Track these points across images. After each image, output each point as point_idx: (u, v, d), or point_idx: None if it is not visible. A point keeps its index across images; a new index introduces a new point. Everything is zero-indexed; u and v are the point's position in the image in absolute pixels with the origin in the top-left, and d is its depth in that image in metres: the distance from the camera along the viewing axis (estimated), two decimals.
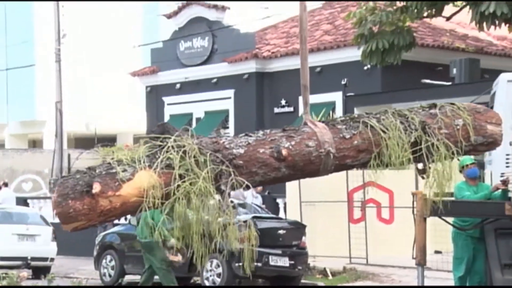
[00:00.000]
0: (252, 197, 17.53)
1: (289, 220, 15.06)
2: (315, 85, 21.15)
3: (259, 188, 18.42)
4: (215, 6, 23.85)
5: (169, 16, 24.78)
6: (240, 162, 5.42)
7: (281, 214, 18.11)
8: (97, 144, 29.43)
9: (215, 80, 23.23)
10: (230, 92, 22.92)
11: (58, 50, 25.96)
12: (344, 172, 15.87)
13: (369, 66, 18.86)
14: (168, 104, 24.86)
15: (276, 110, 22.07)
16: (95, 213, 5.11)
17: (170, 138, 5.37)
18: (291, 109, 21.70)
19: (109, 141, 32.81)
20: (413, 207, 8.92)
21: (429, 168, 5.88)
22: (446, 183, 5.86)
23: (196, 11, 23.95)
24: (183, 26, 24.09)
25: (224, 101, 23.10)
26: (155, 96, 25.21)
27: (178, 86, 24.33)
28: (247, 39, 22.71)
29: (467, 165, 9.30)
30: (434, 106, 5.96)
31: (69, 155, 27.21)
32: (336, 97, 20.55)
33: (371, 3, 18.09)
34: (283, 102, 21.88)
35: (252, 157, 5.47)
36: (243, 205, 14.85)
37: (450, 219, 9.27)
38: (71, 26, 28.88)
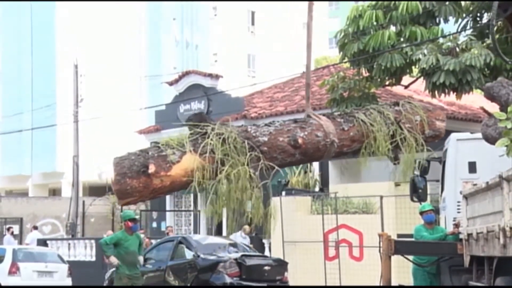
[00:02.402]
0: (241, 237, 17.43)
1: (274, 258, 14.97)
2: None
3: (247, 229, 18.32)
4: (210, 75, 24.18)
5: (170, 83, 25.03)
6: (265, 149, 5.46)
7: (267, 253, 17.98)
8: (108, 192, 29.30)
9: None
10: None
11: (76, 112, 26.06)
12: (320, 216, 15.91)
13: None
14: None
15: None
16: (148, 191, 5.06)
17: (209, 126, 5.33)
18: None
19: None
20: (379, 247, 8.90)
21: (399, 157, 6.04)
22: (408, 170, 6.08)
23: (194, 79, 24.22)
24: (183, 92, 24.29)
25: None
26: None
27: None
28: (237, 102, 22.92)
29: (425, 211, 9.39)
30: (397, 103, 6.16)
31: (83, 202, 27.07)
32: None
33: (341, 73, 18.37)
34: None
35: (274, 144, 5.55)
36: (234, 245, 14.78)
37: (411, 257, 9.29)
38: (88, 91, 29.10)
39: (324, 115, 6.03)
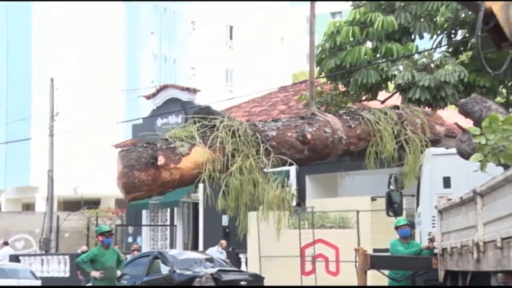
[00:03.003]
0: (218, 252, 17.34)
1: (250, 273, 14.90)
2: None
3: (224, 244, 18.24)
4: (188, 89, 24.18)
5: (148, 97, 24.95)
6: (273, 143, 5.30)
7: (243, 268, 17.91)
8: (83, 206, 28.96)
9: None
10: None
11: (51, 126, 25.81)
12: (297, 231, 15.91)
13: None
14: None
15: None
16: (156, 184, 4.83)
17: (217, 118, 5.20)
18: None
19: (93, 204, 32.51)
20: (355, 262, 8.92)
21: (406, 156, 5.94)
22: (416, 167, 5.94)
23: (171, 93, 24.18)
24: (161, 105, 24.24)
25: None
26: None
27: None
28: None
29: (401, 226, 9.44)
30: (397, 107, 6.12)
31: (58, 217, 26.74)
32: (291, 166, 20.67)
33: (318, 88, 18.46)
34: None
35: (282, 140, 5.38)
36: (210, 260, 14.70)
37: (386, 272, 9.32)
38: (63, 104, 28.86)
39: (329, 113, 5.94)
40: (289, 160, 5.54)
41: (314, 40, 6.25)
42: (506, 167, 5.36)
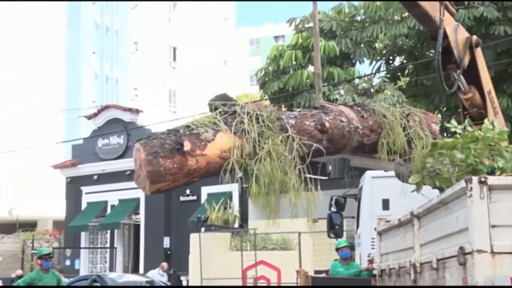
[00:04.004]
0: (159, 275, 17.12)
1: None
2: (215, 177, 21.28)
3: (165, 266, 18.03)
4: (130, 109, 23.93)
5: (89, 117, 24.57)
6: (294, 132, 5.04)
7: None
8: (18, 229, 28.00)
9: (128, 172, 22.94)
10: None
11: None
12: (239, 252, 15.88)
13: None
14: (86, 193, 24.25)
15: (182, 198, 21.93)
16: (182, 173, 4.49)
17: (236, 104, 4.91)
18: (195, 197, 21.63)
19: (29, 226, 31.54)
20: (297, 283, 8.97)
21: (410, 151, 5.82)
22: (423, 162, 5.75)
23: (113, 113, 23.89)
24: (102, 126, 23.90)
25: (136, 190, 22.47)
26: (75, 186, 24.57)
27: (95, 177, 23.86)
28: None
29: (341, 247, 9.57)
30: (394, 105, 6.07)
31: None
32: (233, 188, 20.69)
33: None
34: (187, 191, 21.81)
35: (301, 128, 5.14)
36: (151, 283, 14.50)
37: None
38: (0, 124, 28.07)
39: (338, 104, 5.81)
40: (312, 148, 5.17)
41: (318, 32, 6.21)
42: (441, 190, 5.54)
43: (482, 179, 4.32)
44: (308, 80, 16.01)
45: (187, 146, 4.43)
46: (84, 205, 24.14)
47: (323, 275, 11.11)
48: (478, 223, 4.27)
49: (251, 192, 4.94)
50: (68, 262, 23.97)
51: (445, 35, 6.62)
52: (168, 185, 4.50)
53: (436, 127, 6.20)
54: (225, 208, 19.64)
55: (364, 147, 5.76)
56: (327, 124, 5.23)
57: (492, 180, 4.35)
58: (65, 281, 11.31)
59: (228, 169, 4.71)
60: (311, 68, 16.68)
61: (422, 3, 6.53)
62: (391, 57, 17.21)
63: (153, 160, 4.38)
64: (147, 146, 4.46)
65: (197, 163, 4.52)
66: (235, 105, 4.96)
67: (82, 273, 21.82)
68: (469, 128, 5.77)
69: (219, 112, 4.88)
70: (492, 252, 4.21)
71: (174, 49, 45.59)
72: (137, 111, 23.69)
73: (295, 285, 9.06)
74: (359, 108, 5.72)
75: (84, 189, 24.22)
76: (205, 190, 21.08)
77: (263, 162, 4.77)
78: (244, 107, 4.96)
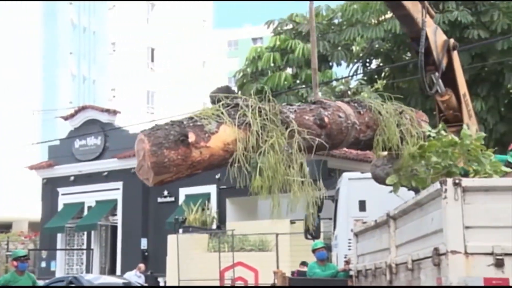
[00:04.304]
0: (136, 276, 17.03)
1: None
2: (193, 179, 21.20)
3: (142, 268, 17.94)
4: (107, 110, 23.74)
5: (66, 118, 24.35)
6: (294, 126, 4.98)
7: None
8: None
9: (106, 173, 22.80)
10: (119, 184, 22.51)
11: None
12: (216, 254, 15.86)
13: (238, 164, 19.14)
14: (62, 194, 24.00)
15: (159, 199, 21.84)
16: (186, 165, 4.42)
17: (239, 98, 4.85)
18: (172, 199, 21.55)
19: (4, 227, 31.11)
20: (274, 283, 8.99)
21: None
22: (410, 161, 5.72)
23: (90, 114, 23.70)
24: (79, 127, 23.69)
25: (113, 191, 22.61)
26: (51, 187, 24.31)
27: (72, 178, 23.64)
28: (135, 138, 22.52)
29: (318, 248, 9.60)
30: (386, 102, 6.04)
31: None
32: (211, 189, 20.68)
33: None
34: (165, 193, 21.72)
35: (301, 122, 5.10)
36: (128, 283, 14.42)
37: None
38: None
39: (335, 100, 5.78)
40: (315, 143, 5.09)
41: (314, 26, 6.19)
42: (416, 191, 5.60)
43: (457, 181, 4.37)
44: (286, 82, 16.06)
45: (191, 137, 4.40)
46: (60, 207, 23.91)
47: (295, 275, 11.17)
48: (452, 224, 4.32)
49: (253, 186, 4.84)
50: (44, 264, 23.71)
51: (426, 37, 6.69)
52: (171, 176, 4.46)
53: (424, 125, 6.24)
54: (203, 210, 19.59)
55: (359, 143, 5.76)
56: (326, 119, 5.22)
57: (466, 182, 4.41)
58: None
59: (232, 162, 4.64)
60: (289, 70, 16.73)
61: (406, 4, 6.59)
62: (368, 60, 17.34)
63: (157, 151, 4.35)
64: (151, 137, 4.42)
65: (201, 155, 4.48)
66: (237, 98, 4.92)
67: (58, 274, 21.59)
68: (443, 132, 5.84)
69: (222, 104, 4.82)
70: (466, 253, 4.27)
71: (152, 50, 45.37)
72: (114, 112, 23.52)
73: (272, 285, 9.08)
74: (356, 104, 5.73)
75: (61, 190, 23.98)
76: (183, 192, 21.01)
77: (266, 155, 4.71)
78: (247, 100, 4.93)
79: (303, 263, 12.67)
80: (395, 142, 5.76)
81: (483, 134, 5.84)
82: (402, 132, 5.88)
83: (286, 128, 4.99)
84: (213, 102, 4.97)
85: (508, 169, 5.66)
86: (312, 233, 10.49)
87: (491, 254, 4.24)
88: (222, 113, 4.67)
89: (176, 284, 16.29)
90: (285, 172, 4.83)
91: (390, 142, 5.74)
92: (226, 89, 5.08)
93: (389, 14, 15.41)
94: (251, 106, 4.85)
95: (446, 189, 4.37)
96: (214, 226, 19.19)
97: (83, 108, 24.40)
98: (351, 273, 8.07)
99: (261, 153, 4.71)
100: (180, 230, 17.74)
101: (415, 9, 6.72)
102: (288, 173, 4.88)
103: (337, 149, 5.61)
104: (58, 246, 23.88)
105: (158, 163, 4.35)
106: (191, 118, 4.63)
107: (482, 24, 14.82)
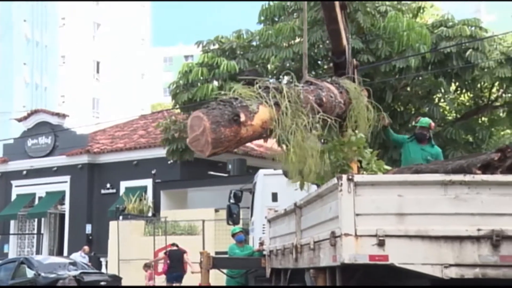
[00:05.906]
0: (81, 257, 16.47)
1: (109, 274, 14.37)
2: (132, 173, 20.84)
3: (87, 249, 17.37)
4: (57, 114, 23.00)
5: (19, 120, 23.30)
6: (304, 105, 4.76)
7: (104, 270, 17.16)
8: None
9: (55, 168, 21.95)
10: (67, 178, 21.75)
11: None
12: (152, 237, 15.61)
13: (171, 161, 18.97)
14: (15, 186, 22.92)
15: (103, 191, 21.24)
16: (235, 140, 4.24)
17: (267, 80, 4.63)
18: (114, 190, 21.01)
19: None
20: (201, 262, 8.95)
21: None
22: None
23: (42, 117, 22.81)
24: (31, 128, 22.72)
25: (62, 184, 21.82)
26: (5, 180, 23.17)
27: (24, 172, 22.63)
28: (82, 138, 21.91)
29: (236, 233, 9.64)
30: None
31: None
32: (148, 182, 20.33)
33: (173, 117, 18.39)
34: (108, 185, 21.16)
35: (307, 102, 4.87)
36: (73, 263, 13.97)
37: (225, 270, 9.44)
38: None
39: (319, 79, 5.59)
40: (330, 122, 4.85)
41: (306, 24, 5.88)
42: (318, 185, 5.71)
43: (350, 177, 4.49)
44: (213, 93, 15.97)
45: (242, 117, 4.25)
46: (14, 197, 22.82)
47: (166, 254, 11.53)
48: (346, 212, 4.43)
49: (288, 158, 4.64)
50: None
51: (345, 52, 6.70)
52: (222, 150, 4.29)
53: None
54: (140, 200, 19.27)
55: (340, 118, 5.60)
56: (324, 99, 5.09)
57: (357, 177, 4.54)
58: None
59: (270, 136, 4.47)
60: (215, 83, 16.67)
61: (340, 21, 6.48)
62: (280, 77, 17.54)
63: (216, 128, 4.17)
64: (209, 115, 4.21)
65: (247, 132, 4.34)
66: (266, 81, 4.77)
67: (11, 256, 20.58)
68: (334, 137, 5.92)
69: (258, 87, 4.63)
70: (356, 235, 4.39)
71: (98, 63, 44.15)
72: (63, 116, 22.81)
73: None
74: (337, 85, 5.60)
75: (14, 182, 22.90)
76: (124, 184, 20.60)
77: (294, 133, 4.55)
78: (275, 83, 4.77)
79: (173, 244, 13.51)
80: (364, 116, 5.64)
81: (363, 135, 5.89)
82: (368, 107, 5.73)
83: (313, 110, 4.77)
84: (245, 84, 4.78)
85: (388, 167, 5.85)
86: (233, 220, 10.53)
87: (375, 236, 4.37)
88: (258, 94, 4.49)
89: (116, 263, 15.92)
90: (311, 147, 4.64)
91: (360, 118, 5.62)
92: (256, 72, 4.99)
93: (297, 39, 15.67)
94: (278, 88, 4.69)
95: (341, 184, 4.47)
96: (150, 214, 18.90)
97: (36, 111, 23.44)
98: (265, 252, 8.14)
99: (290, 132, 4.55)
100: (120, 217, 17.37)
101: (343, 27, 6.70)
102: (312, 148, 4.69)
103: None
104: (11, 231, 22.81)
105: (217, 139, 4.18)
106: (236, 98, 4.44)
107: (370, 51, 15.34)
